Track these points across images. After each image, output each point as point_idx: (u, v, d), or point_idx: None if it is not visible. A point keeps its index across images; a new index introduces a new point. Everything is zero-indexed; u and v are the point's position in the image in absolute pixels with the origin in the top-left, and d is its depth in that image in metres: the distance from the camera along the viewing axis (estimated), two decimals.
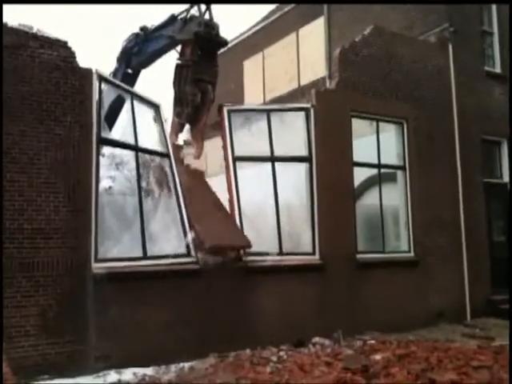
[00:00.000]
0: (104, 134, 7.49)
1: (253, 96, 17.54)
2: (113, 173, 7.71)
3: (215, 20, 8.90)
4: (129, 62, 10.40)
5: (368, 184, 10.56)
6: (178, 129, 9.27)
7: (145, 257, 7.45)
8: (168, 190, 8.31)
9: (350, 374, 5.75)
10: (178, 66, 8.92)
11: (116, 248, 7.32)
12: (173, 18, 9.36)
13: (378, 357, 6.54)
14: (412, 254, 10.25)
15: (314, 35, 15.61)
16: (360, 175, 10.02)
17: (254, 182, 8.92)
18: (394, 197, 10.58)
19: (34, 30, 7.03)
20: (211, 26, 8.75)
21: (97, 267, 6.90)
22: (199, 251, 7.79)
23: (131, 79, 10.47)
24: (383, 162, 10.25)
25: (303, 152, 9.31)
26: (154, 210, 8.12)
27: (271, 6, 18.00)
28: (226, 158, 8.80)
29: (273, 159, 9.05)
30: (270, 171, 8.98)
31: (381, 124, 10.34)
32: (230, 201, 8.57)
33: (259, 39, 17.81)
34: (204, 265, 7.70)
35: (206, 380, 6.03)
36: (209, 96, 8.97)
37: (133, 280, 7.12)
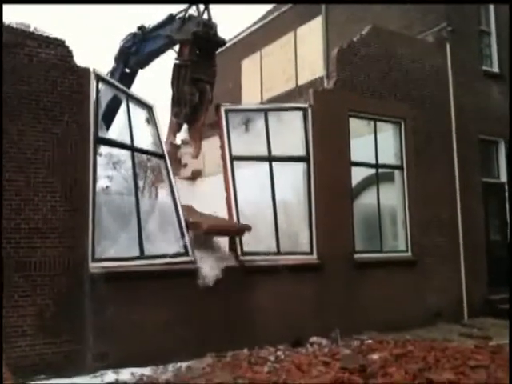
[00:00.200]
0: (101, 134, 7.47)
1: (251, 95, 17.55)
2: (110, 172, 7.72)
3: (213, 20, 8.89)
4: (126, 62, 10.38)
5: (366, 184, 10.57)
6: (176, 128, 9.26)
7: (142, 256, 7.43)
8: (164, 190, 8.30)
9: (347, 373, 5.75)
10: (176, 66, 8.91)
11: (113, 248, 7.31)
12: (171, 18, 9.34)
13: (375, 356, 6.54)
14: (409, 253, 10.25)
15: (311, 35, 15.62)
16: (358, 175, 10.02)
17: (251, 182, 8.91)
18: (392, 196, 10.58)
19: (32, 29, 7.02)
20: (209, 26, 8.74)
21: (94, 267, 6.89)
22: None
23: (129, 79, 10.46)
24: (381, 161, 10.25)
25: (301, 152, 9.31)
26: (150, 210, 8.11)
27: (269, 6, 18.02)
28: (223, 158, 8.79)
29: (270, 159, 9.05)
30: (268, 171, 8.98)
31: (378, 124, 10.34)
32: (228, 200, 8.56)
33: (257, 39, 17.81)
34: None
35: (203, 380, 6.03)
36: (207, 96, 8.96)
37: (130, 279, 7.11)
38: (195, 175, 14.34)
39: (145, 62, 10.45)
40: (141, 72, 10.82)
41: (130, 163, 7.96)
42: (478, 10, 12.74)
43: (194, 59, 8.77)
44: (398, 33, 11.16)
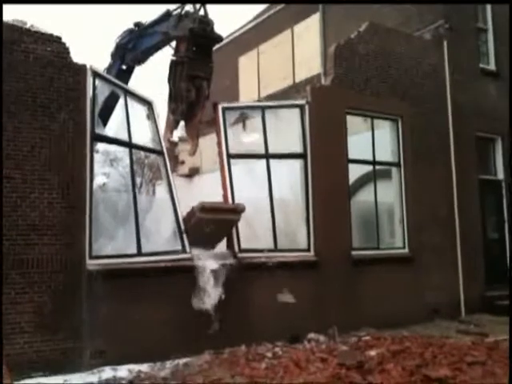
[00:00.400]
0: (98, 131, 7.46)
1: (248, 92, 17.53)
2: (107, 169, 7.71)
3: (210, 16, 8.87)
4: (123, 58, 10.33)
5: (363, 181, 10.58)
6: (173, 125, 9.24)
7: (139, 253, 7.43)
8: (162, 187, 8.29)
9: (344, 369, 5.76)
10: (172, 63, 8.89)
11: (110, 245, 7.31)
12: (167, 14, 9.31)
13: (372, 353, 6.55)
14: (407, 250, 10.27)
15: (309, 32, 15.61)
16: (355, 172, 10.03)
17: (248, 179, 8.91)
18: (389, 193, 10.60)
19: (28, 26, 6.99)
20: (206, 23, 8.71)
21: (91, 264, 6.89)
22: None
23: (125, 75, 10.42)
24: (378, 158, 10.25)
25: (298, 149, 9.31)
26: (148, 207, 8.10)
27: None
28: (220, 155, 8.79)
29: (267, 156, 9.04)
30: (265, 168, 8.97)
31: (376, 121, 10.34)
32: (225, 198, 8.55)
33: (254, 36, 17.78)
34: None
35: (201, 376, 6.03)
36: (203, 92, 8.93)
37: (127, 277, 7.10)
38: (192, 172, 14.34)
39: (141, 59, 10.41)
40: (137, 69, 10.80)
41: (127, 160, 7.95)
42: (475, 8, 12.74)
43: (191, 56, 8.74)
44: (395, 30, 11.16)
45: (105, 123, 8.35)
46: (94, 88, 7.41)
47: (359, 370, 5.75)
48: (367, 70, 10.14)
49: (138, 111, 8.43)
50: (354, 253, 9.41)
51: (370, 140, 10.18)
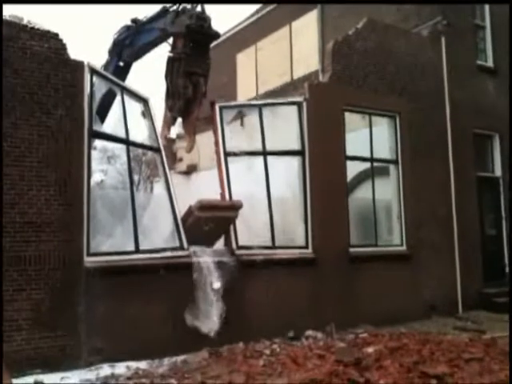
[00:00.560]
0: (96, 128, 7.43)
1: (246, 89, 17.50)
2: (105, 166, 7.69)
3: (207, 13, 8.84)
4: (120, 55, 10.30)
5: (361, 178, 10.58)
6: (170, 122, 9.22)
7: (137, 251, 7.42)
8: (159, 184, 8.28)
9: (342, 366, 5.77)
10: (169, 59, 8.86)
11: (108, 242, 7.30)
12: (164, 11, 9.27)
13: (370, 349, 6.57)
14: (404, 247, 10.28)
15: (307, 28, 15.58)
16: (353, 169, 10.03)
17: (246, 177, 8.90)
18: (387, 191, 10.60)
19: (25, 22, 6.96)
20: (203, 19, 8.68)
21: (89, 261, 6.88)
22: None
23: (123, 72, 10.38)
24: (376, 155, 10.25)
25: (296, 146, 9.31)
26: (146, 204, 8.09)
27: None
28: (217, 154, 8.78)
29: (265, 153, 9.03)
30: (263, 165, 8.96)
31: (373, 118, 10.34)
32: (222, 195, 8.55)
33: (252, 32, 17.74)
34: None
35: (198, 373, 6.04)
36: (200, 89, 8.91)
37: (125, 274, 7.09)
38: (190, 169, 14.32)
39: (139, 55, 10.37)
40: (134, 65, 10.77)
41: (125, 157, 7.93)
42: (473, 5, 12.73)
43: (188, 52, 8.72)
44: (393, 26, 11.15)
45: (102, 120, 8.33)
46: (92, 85, 7.38)
47: (357, 366, 5.76)
48: (365, 67, 10.13)
49: (135, 108, 8.42)
50: (351, 250, 9.42)
51: (368, 137, 10.18)
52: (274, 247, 8.70)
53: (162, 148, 8.34)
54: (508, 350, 6.17)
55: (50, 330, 6.49)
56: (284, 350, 7.08)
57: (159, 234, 7.90)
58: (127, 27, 10.09)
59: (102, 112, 8.44)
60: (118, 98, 8.26)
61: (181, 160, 14.32)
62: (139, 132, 8.48)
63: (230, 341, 7.47)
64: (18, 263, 6.39)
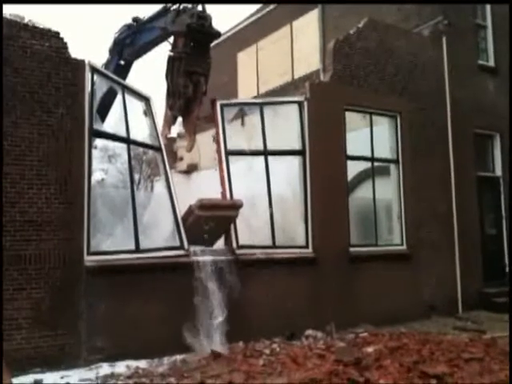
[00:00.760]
0: (96, 126, 7.43)
1: (247, 89, 17.50)
2: (105, 165, 7.69)
3: (208, 11, 8.83)
4: (121, 54, 10.30)
5: (361, 177, 10.57)
6: (170, 121, 9.21)
7: (137, 250, 7.41)
8: (160, 183, 8.28)
9: (342, 366, 5.77)
10: (170, 58, 8.85)
11: (108, 241, 7.31)
12: (165, 10, 9.27)
13: (370, 349, 6.58)
14: (404, 247, 10.28)
15: (308, 27, 15.57)
16: (353, 168, 10.03)
17: (247, 176, 8.90)
18: (387, 190, 10.60)
19: (26, 21, 6.95)
20: (204, 18, 8.67)
21: (89, 260, 6.87)
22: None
23: (123, 71, 10.38)
24: (376, 155, 10.25)
25: (296, 145, 9.30)
26: (146, 203, 8.09)
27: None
28: (218, 152, 8.78)
29: (266, 153, 9.03)
30: (264, 165, 8.96)
31: (374, 117, 10.33)
32: (223, 194, 8.54)
33: (253, 32, 17.73)
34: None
35: (198, 372, 6.04)
36: (201, 88, 8.90)
37: (125, 273, 7.09)
38: (191, 168, 14.32)
39: (139, 54, 10.37)
40: (135, 64, 10.77)
41: (125, 156, 7.92)
42: (474, 4, 12.72)
43: (189, 51, 8.71)
44: (394, 26, 11.14)
45: (103, 119, 8.34)
46: (93, 83, 7.38)
47: (356, 366, 5.76)
48: (366, 66, 10.12)
49: (136, 107, 8.42)
50: (352, 249, 9.41)
51: (369, 136, 10.17)
52: (274, 247, 8.69)
53: (162, 147, 8.34)
54: (508, 350, 6.17)
55: (50, 328, 6.50)
56: (284, 350, 7.09)
57: (159, 233, 7.90)
58: (128, 26, 10.09)
59: (103, 111, 8.44)
60: (119, 97, 8.26)
61: (181, 159, 14.32)
62: (140, 131, 8.49)
63: (230, 340, 7.47)
64: (19, 262, 6.39)
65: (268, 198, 8.85)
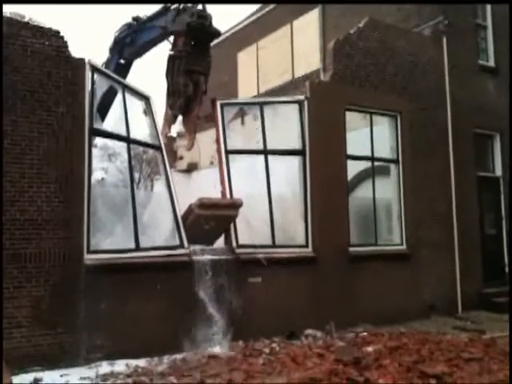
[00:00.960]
0: (96, 125, 7.43)
1: (247, 88, 17.49)
2: (105, 164, 7.68)
3: (208, 10, 8.83)
4: (121, 53, 10.30)
5: (361, 177, 10.57)
6: (171, 120, 9.22)
7: (137, 248, 7.42)
8: (160, 182, 8.28)
9: (341, 365, 5.78)
10: (170, 57, 8.86)
11: (108, 239, 7.30)
12: (165, 9, 9.27)
13: (369, 349, 6.58)
14: (404, 246, 10.28)
15: (308, 27, 15.57)
16: (353, 168, 10.03)
17: (247, 175, 8.90)
18: (387, 190, 10.60)
19: (26, 19, 6.95)
20: (204, 17, 8.67)
21: (89, 259, 6.88)
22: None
23: (124, 70, 10.38)
24: (376, 155, 10.25)
25: (297, 145, 9.30)
26: (146, 202, 8.09)
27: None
28: (218, 152, 8.78)
29: (266, 152, 9.03)
30: (264, 164, 8.96)
31: (374, 117, 10.33)
32: (223, 194, 8.54)
33: (253, 31, 17.73)
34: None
35: (198, 371, 6.04)
36: (201, 87, 8.91)
37: (125, 271, 7.10)
38: (191, 168, 14.31)
39: (140, 53, 10.38)
40: (135, 63, 10.77)
41: (125, 155, 7.92)
42: (475, 4, 12.72)
43: (189, 50, 8.71)
44: (394, 26, 11.14)
45: (103, 118, 8.34)
46: (93, 82, 7.38)
47: (356, 365, 5.77)
48: (366, 66, 10.12)
49: (136, 106, 8.42)
50: (351, 249, 9.42)
51: (369, 136, 10.17)
52: (274, 246, 8.69)
53: (162, 146, 8.34)
54: (508, 349, 6.17)
55: (50, 327, 6.50)
56: (283, 349, 7.09)
57: (159, 232, 7.90)
58: (128, 25, 10.09)
59: (103, 110, 8.44)
60: (119, 96, 8.26)
61: (181, 158, 14.30)
62: (140, 130, 8.48)
63: (230, 339, 7.47)
64: (18, 260, 6.39)
65: (268, 197, 8.84)
